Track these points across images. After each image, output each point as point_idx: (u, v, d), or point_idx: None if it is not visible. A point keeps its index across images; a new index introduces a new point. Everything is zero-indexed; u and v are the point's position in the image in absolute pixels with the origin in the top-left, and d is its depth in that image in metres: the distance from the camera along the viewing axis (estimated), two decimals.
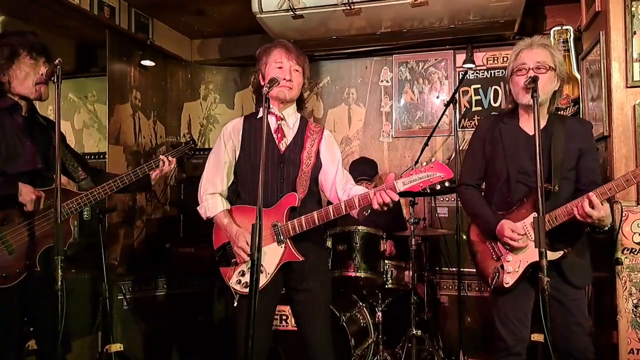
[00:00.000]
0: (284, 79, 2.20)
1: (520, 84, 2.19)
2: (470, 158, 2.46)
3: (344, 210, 2.10)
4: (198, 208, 2.33)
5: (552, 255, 2.06)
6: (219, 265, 2.29)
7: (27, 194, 2.16)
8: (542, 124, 2.24)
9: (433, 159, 2.01)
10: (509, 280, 2.20)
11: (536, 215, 2.04)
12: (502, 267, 2.23)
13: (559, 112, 3.27)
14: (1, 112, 2.23)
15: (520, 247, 2.18)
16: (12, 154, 2.21)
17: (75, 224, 3.85)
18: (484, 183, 2.45)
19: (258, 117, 2.32)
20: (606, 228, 2.13)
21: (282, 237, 2.17)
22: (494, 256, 2.28)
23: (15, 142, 2.22)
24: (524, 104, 2.24)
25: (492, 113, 4.01)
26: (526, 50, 2.24)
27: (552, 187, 2.14)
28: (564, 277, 2.16)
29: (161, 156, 2.53)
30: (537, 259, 1.87)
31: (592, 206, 2.02)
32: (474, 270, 2.42)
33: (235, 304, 2.19)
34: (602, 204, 2.03)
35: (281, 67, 2.23)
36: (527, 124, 2.29)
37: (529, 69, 2.18)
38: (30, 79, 2.24)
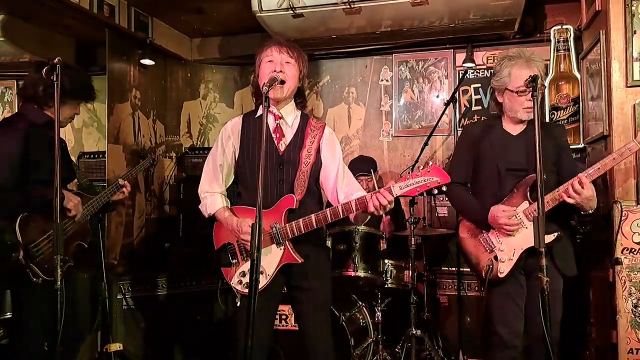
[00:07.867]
0: (274, 70, 2.17)
1: (523, 103, 2.32)
2: (457, 159, 2.58)
3: (341, 213, 2.09)
4: (199, 207, 2.34)
5: (547, 238, 2.10)
6: (220, 265, 2.28)
7: (71, 199, 2.48)
8: (522, 128, 2.42)
9: (430, 163, 2.03)
10: (503, 269, 2.28)
11: (528, 205, 2.28)
12: (495, 257, 2.31)
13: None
14: (42, 129, 2.44)
15: (514, 230, 2.28)
16: (51, 165, 2.29)
17: None
18: (469, 183, 2.55)
19: (257, 115, 2.30)
20: (591, 211, 2.28)
21: (280, 240, 2.16)
22: (487, 248, 2.35)
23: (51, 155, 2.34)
24: (523, 120, 2.39)
25: (492, 112, 4.00)
26: (525, 70, 2.30)
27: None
28: (553, 262, 2.25)
29: (119, 180, 2.83)
30: (531, 244, 2.00)
31: (581, 185, 2.18)
32: None
33: (237, 304, 2.19)
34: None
35: (272, 61, 2.20)
36: (510, 127, 2.45)
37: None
38: (66, 115, 2.63)
